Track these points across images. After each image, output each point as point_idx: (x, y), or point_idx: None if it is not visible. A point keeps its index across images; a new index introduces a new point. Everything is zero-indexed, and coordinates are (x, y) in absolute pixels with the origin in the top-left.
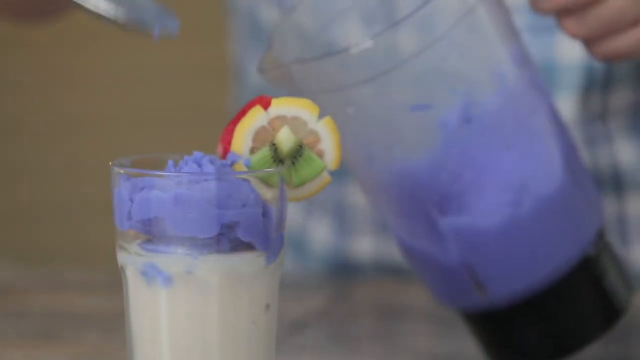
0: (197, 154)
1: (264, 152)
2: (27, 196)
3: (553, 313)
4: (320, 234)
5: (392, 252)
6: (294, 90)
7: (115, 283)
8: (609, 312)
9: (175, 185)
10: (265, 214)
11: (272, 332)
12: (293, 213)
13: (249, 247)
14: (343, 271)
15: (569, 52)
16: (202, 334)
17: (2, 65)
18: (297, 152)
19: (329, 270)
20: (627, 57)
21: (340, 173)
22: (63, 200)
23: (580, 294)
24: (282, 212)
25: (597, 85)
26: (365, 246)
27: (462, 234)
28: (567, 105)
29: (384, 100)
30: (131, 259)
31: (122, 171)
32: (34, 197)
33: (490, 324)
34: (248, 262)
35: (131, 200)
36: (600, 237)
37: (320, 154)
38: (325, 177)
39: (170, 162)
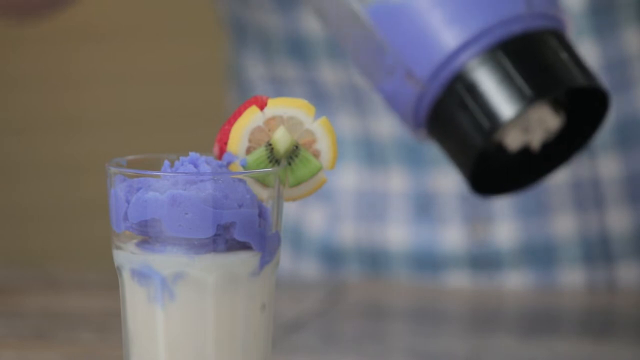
0: (193, 154)
1: (260, 152)
2: (22, 196)
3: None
4: (315, 222)
5: (373, 238)
6: None
7: (110, 283)
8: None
9: (172, 186)
10: (261, 214)
11: (268, 332)
12: (289, 203)
13: (245, 247)
14: (333, 260)
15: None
16: (198, 333)
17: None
18: (293, 152)
19: (322, 260)
20: None
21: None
22: (57, 200)
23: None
24: (278, 213)
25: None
26: (349, 232)
27: (385, 17)
28: None
29: None
30: (127, 259)
31: (118, 172)
32: (29, 197)
33: (440, 119)
34: (244, 262)
35: (127, 202)
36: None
37: (316, 154)
38: (321, 176)
39: (166, 163)
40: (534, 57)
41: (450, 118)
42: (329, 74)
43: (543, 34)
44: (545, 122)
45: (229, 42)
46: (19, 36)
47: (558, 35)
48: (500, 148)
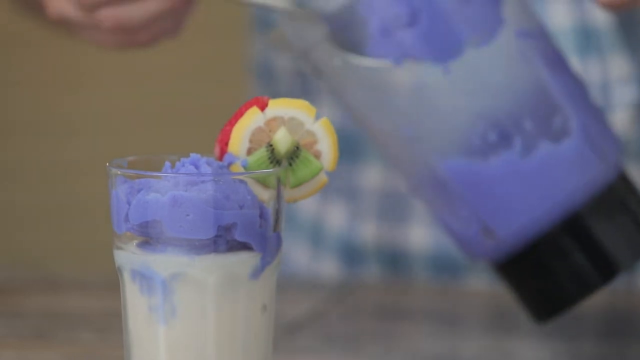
0: (194, 155)
1: (261, 153)
2: (22, 197)
3: (581, 240)
4: (336, 219)
5: (395, 239)
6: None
7: (110, 283)
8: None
9: (173, 187)
10: (262, 215)
11: (269, 333)
12: (308, 200)
13: (245, 247)
14: (352, 258)
15: (562, 18)
16: (199, 334)
17: None
18: (294, 153)
19: (341, 258)
20: (626, 6)
21: (353, 154)
22: (58, 200)
23: (607, 219)
24: (279, 213)
25: (594, 51)
26: (370, 231)
27: (462, 176)
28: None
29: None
30: (128, 259)
31: (119, 172)
32: (29, 198)
33: (514, 272)
34: (245, 263)
35: (128, 203)
36: (617, 179)
37: (317, 155)
38: (322, 177)
39: (167, 164)
40: (618, 218)
41: (528, 274)
42: None
43: (618, 188)
44: None
45: (255, 35)
46: (19, 36)
47: (628, 181)
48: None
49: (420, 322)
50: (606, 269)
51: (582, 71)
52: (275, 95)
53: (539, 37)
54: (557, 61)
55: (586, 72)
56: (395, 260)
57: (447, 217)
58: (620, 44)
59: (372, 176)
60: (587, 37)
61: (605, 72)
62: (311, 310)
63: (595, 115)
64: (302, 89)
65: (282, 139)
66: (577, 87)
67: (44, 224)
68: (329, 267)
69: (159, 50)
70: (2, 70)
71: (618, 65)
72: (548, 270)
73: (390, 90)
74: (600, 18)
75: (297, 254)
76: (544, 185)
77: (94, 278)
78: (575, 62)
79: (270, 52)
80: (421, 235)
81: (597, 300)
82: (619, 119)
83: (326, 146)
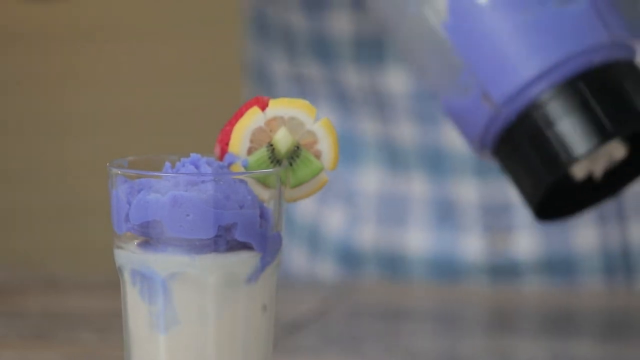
0: (194, 155)
1: (262, 152)
2: (23, 197)
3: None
4: (334, 222)
5: (393, 242)
6: None
7: (110, 284)
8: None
9: (173, 187)
10: (262, 215)
11: (269, 333)
12: (307, 202)
13: (246, 247)
14: (351, 262)
15: None
16: (199, 334)
17: None
18: (295, 152)
19: (339, 262)
20: None
21: (351, 158)
22: (58, 200)
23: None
24: (279, 213)
25: None
26: (369, 235)
27: (463, 33)
28: None
29: None
30: (129, 259)
31: (119, 173)
32: (30, 198)
33: (511, 142)
34: (245, 263)
35: (129, 203)
36: (616, 60)
37: (318, 155)
38: (323, 177)
39: (167, 164)
40: (614, 90)
41: (522, 145)
42: (352, 76)
43: (622, 66)
44: (612, 152)
45: (249, 38)
46: (19, 36)
47: (634, 67)
48: (565, 176)
49: (420, 322)
50: (595, 134)
51: None
52: (271, 96)
53: None
54: None
55: None
56: (393, 264)
57: (450, 93)
58: None
59: (370, 180)
60: None
61: None
62: (311, 310)
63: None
64: (298, 91)
65: (282, 139)
66: None
67: (44, 224)
68: (326, 270)
69: (160, 49)
70: (2, 70)
71: None
72: (543, 136)
73: None
74: None
75: (294, 256)
76: (544, 44)
77: (94, 278)
78: None
79: (267, 56)
80: (420, 238)
81: (596, 301)
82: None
83: (326, 146)
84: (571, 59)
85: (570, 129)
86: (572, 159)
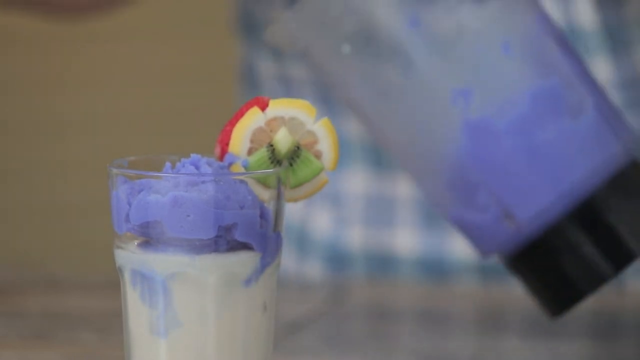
0: (194, 156)
1: (262, 153)
2: (23, 197)
3: (596, 230)
4: (321, 224)
5: (381, 243)
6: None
7: (110, 284)
8: None
9: (173, 188)
10: (262, 215)
11: (269, 333)
12: (295, 204)
13: (246, 247)
14: (339, 263)
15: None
16: (199, 334)
17: None
18: (295, 153)
19: (327, 263)
20: None
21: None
22: (57, 201)
23: (621, 206)
24: (279, 213)
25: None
26: (356, 237)
27: (480, 159)
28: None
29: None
30: (129, 259)
31: (119, 173)
32: (30, 198)
33: (532, 261)
34: (245, 263)
35: (129, 204)
36: (630, 164)
37: (318, 155)
38: (323, 177)
39: (167, 164)
40: (631, 206)
41: (547, 260)
42: None
43: (633, 171)
44: None
45: (237, 38)
46: (19, 36)
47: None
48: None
49: (420, 322)
50: (622, 255)
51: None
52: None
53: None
54: (566, 42)
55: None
56: (382, 265)
57: (464, 210)
58: (605, 47)
59: (356, 181)
60: (572, 39)
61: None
62: (312, 311)
63: (605, 96)
64: (284, 92)
65: (282, 139)
66: (586, 67)
67: (44, 224)
68: (315, 272)
69: (159, 50)
70: (1, 70)
71: (602, 67)
72: (566, 257)
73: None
74: (586, 20)
75: (283, 258)
76: (563, 162)
77: (94, 278)
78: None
79: (254, 57)
80: (407, 239)
81: (587, 302)
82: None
83: (327, 146)
84: (591, 175)
85: (594, 252)
86: (598, 283)
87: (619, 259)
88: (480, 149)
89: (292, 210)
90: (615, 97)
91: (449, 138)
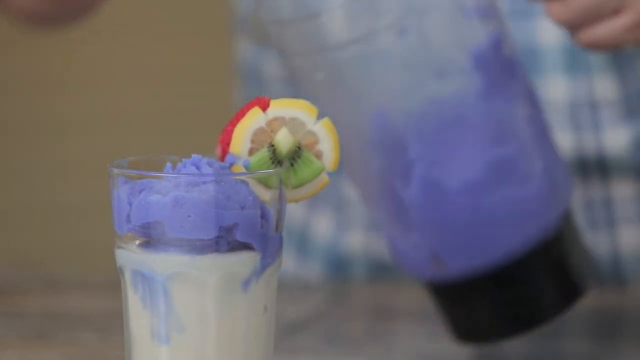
0: (195, 156)
1: (263, 153)
2: (23, 197)
3: (510, 290)
4: (322, 228)
5: (382, 247)
6: (274, 49)
7: (110, 284)
8: (567, 292)
9: (174, 188)
10: (263, 215)
11: (270, 333)
12: (296, 208)
13: (247, 248)
14: (339, 267)
15: (550, 35)
16: (200, 334)
17: None
18: (296, 153)
19: (327, 267)
20: (608, 47)
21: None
22: (58, 201)
23: (537, 274)
24: (280, 214)
25: (581, 70)
26: (357, 240)
27: (425, 211)
28: (552, 88)
29: (355, 69)
30: (130, 259)
31: (120, 173)
32: (30, 198)
33: (448, 296)
34: (246, 263)
35: (130, 204)
36: (564, 220)
37: (319, 155)
38: (324, 178)
39: (168, 165)
40: (564, 260)
41: (459, 304)
42: None
43: (564, 235)
44: None
45: (243, 40)
46: (19, 37)
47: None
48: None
49: (419, 322)
50: (523, 320)
51: (570, 90)
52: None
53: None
54: (532, 97)
55: (574, 92)
56: (382, 269)
57: (399, 239)
58: (608, 64)
59: None
60: (574, 56)
61: (593, 92)
62: (312, 311)
63: (555, 154)
64: (292, 93)
65: (283, 140)
66: (543, 125)
67: (45, 224)
68: (315, 274)
69: (159, 50)
70: (1, 70)
71: (605, 85)
72: (481, 302)
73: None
74: (548, 38)
75: (283, 260)
76: (502, 227)
77: (94, 278)
78: (563, 81)
79: (257, 56)
80: None
81: (586, 301)
82: (609, 139)
83: (327, 146)
84: (526, 241)
85: (503, 309)
86: (490, 339)
87: (522, 322)
88: (427, 201)
89: (294, 214)
90: (622, 113)
91: (402, 183)
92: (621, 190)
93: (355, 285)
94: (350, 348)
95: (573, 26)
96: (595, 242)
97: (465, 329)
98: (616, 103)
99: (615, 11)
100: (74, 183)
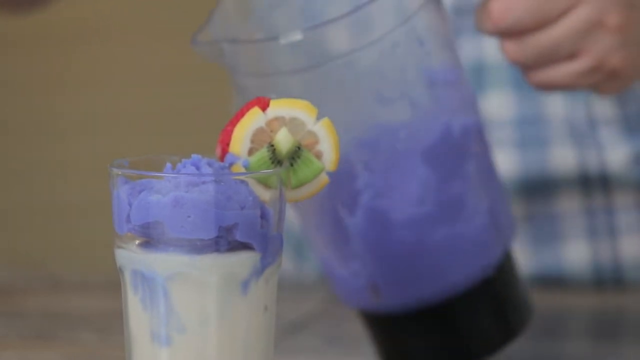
0: (195, 156)
1: (263, 153)
2: (24, 197)
3: (446, 326)
4: None
5: None
6: (225, 66)
7: (110, 284)
8: (503, 331)
9: (174, 188)
10: (263, 215)
11: (270, 333)
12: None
13: (247, 248)
14: None
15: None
16: (200, 334)
17: None
18: (296, 153)
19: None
20: (559, 89)
21: None
22: (58, 201)
23: (474, 311)
24: (280, 214)
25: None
26: None
27: (368, 241)
28: (552, 109)
29: (306, 95)
30: (130, 259)
31: (120, 173)
32: (31, 198)
33: (382, 327)
34: (246, 263)
35: (130, 204)
36: (505, 259)
37: (319, 155)
38: (324, 178)
39: (168, 165)
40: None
41: (392, 335)
42: None
43: (504, 270)
44: None
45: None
46: (19, 37)
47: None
48: None
49: None
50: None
51: (569, 109)
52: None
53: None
54: (480, 133)
55: (572, 111)
56: None
57: (336, 264)
58: (510, 82)
59: None
60: (481, 74)
61: (591, 110)
62: (312, 311)
63: (500, 192)
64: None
65: (283, 140)
66: (490, 162)
67: (45, 224)
68: (313, 277)
69: (159, 49)
70: (1, 70)
71: (604, 105)
72: (416, 336)
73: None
74: (494, 54)
75: (282, 261)
76: (442, 263)
77: (94, 278)
78: (561, 100)
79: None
80: None
81: (586, 300)
82: (609, 155)
83: (327, 147)
84: (464, 279)
85: (433, 347)
86: None
87: (457, 357)
88: (371, 231)
89: (293, 217)
90: (515, 133)
91: (347, 211)
92: (622, 200)
93: None
94: (350, 348)
95: (527, 66)
96: (597, 250)
97: None
98: (615, 121)
99: (571, 55)
100: (74, 183)
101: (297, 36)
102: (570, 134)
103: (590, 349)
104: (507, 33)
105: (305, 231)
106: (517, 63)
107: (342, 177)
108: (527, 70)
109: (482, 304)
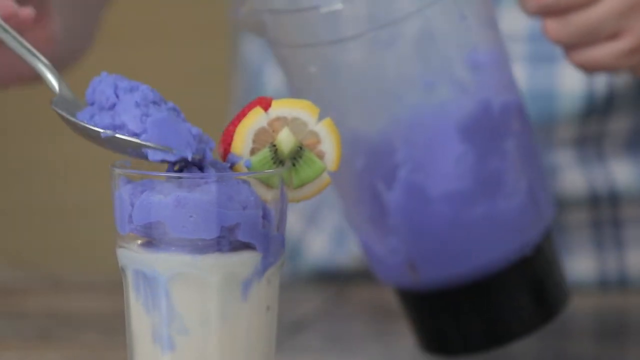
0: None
1: (264, 153)
2: (26, 197)
3: (482, 304)
4: (317, 247)
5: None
6: (266, 39)
7: (112, 284)
8: (540, 312)
9: (176, 188)
10: (265, 215)
11: (272, 333)
12: (293, 223)
13: (248, 248)
14: (331, 278)
15: (570, 80)
16: (202, 334)
17: None
18: (298, 153)
19: (319, 278)
20: (602, 69)
21: None
22: (59, 201)
23: (511, 291)
24: (282, 214)
25: (596, 112)
26: (356, 249)
27: (408, 213)
28: (566, 131)
29: (345, 67)
30: (132, 259)
31: (122, 173)
32: (32, 198)
33: (419, 305)
34: (247, 263)
35: (132, 205)
36: (544, 239)
37: (321, 155)
38: (325, 178)
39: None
40: (533, 285)
41: (431, 313)
42: None
43: (542, 255)
44: None
45: (246, 38)
46: None
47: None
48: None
49: None
50: (497, 334)
51: (580, 130)
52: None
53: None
54: (522, 114)
55: (582, 131)
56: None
57: (375, 242)
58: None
59: None
60: (592, 102)
61: (603, 129)
62: (314, 311)
63: (540, 171)
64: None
65: (285, 139)
66: (531, 143)
67: (47, 225)
68: (306, 281)
69: (160, 50)
70: None
71: (568, 74)
72: (452, 314)
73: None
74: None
75: None
76: (481, 240)
77: (96, 279)
78: (526, 69)
79: (258, 56)
80: None
81: (590, 301)
82: (617, 172)
83: (329, 146)
84: (502, 257)
85: (474, 323)
86: (464, 351)
87: (493, 337)
88: (409, 206)
89: (291, 225)
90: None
91: (385, 186)
92: (630, 213)
93: (355, 285)
94: (352, 347)
95: (569, 45)
96: (604, 262)
97: (433, 341)
98: (622, 136)
99: (614, 34)
100: (74, 183)
101: (338, 5)
102: (579, 158)
103: (594, 350)
104: (550, 12)
105: (345, 210)
106: (559, 42)
107: (380, 151)
108: (568, 50)
109: (520, 284)
